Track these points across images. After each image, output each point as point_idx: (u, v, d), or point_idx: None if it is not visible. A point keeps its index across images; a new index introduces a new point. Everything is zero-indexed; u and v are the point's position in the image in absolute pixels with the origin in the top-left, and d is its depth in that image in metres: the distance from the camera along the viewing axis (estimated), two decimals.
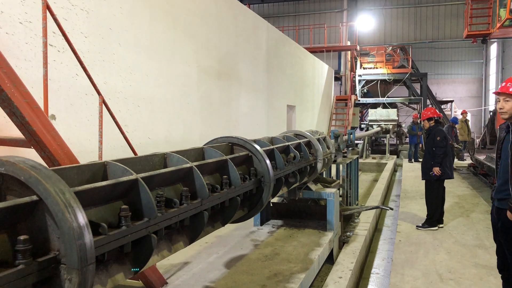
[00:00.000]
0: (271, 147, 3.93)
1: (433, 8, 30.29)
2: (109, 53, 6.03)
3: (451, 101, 26.22)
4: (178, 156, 2.51)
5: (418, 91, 23.09)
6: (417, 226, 7.04)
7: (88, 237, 1.48)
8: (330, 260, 5.49)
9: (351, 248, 5.74)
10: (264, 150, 3.50)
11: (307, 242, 5.30)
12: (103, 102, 4.33)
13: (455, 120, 16.81)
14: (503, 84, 3.44)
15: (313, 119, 18.00)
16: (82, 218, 1.49)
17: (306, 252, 4.94)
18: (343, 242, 6.06)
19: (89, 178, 1.96)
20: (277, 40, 13.36)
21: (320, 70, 19.31)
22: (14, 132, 4.01)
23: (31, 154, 4.64)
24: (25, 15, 4.80)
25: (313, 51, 19.58)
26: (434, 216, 6.95)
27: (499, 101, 3.45)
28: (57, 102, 5.13)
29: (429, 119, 7.02)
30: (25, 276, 1.37)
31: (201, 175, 2.46)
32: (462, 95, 32.19)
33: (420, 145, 17.05)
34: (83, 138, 5.46)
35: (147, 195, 1.96)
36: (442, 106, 24.67)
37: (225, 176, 2.84)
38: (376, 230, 7.97)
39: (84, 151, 5.25)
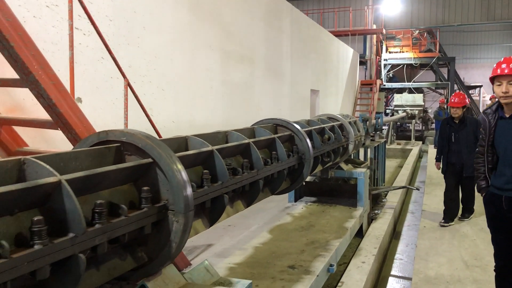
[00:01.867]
0: (309, 128, 4.26)
1: None
2: (133, 36, 6.07)
3: (480, 86, 25.56)
4: (238, 133, 2.96)
5: (445, 76, 22.56)
6: (459, 218, 6.49)
7: (189, 190, 1.92)
8: (360, 233, 5.83)
9: (376, 229, 5.99)
10: (304, 131, 3.85)
11: (339, 217, 5.61)
12: (128, 85, 4.36)
13: None
14: (504, 65, 3.13)
15: (337, 104, 17.81)
16: (185, 175, 1.92)
17: (339, 225, 5.25)
18: (371, 218, 6.48)
19: (176, 148, 2.31)
20: (301, 24, 13.20)
21: (344, 54, 19.04)
22: (42, 114, 4.09)
23: (58, 136, 4.74)
24: None
25: (337, 34, 19.28)
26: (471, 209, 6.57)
27: (500, 84, 3.17)
28: (83, 85, 5.19)
29: (463, 107, 6.15)
30: (147, 216, 1.82)
31: (257, 150, 2.91)
32: None
33: None
34: (109, 121, 5.53)
35: (221, 162, 2.42)
36: (470, 91, 24.08)
37: (274, 152, 3.27)
38: (400, 216, 7.90)
39: None
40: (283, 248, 4.45)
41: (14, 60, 3.30)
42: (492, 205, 3.46)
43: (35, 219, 1.35)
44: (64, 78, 3.85)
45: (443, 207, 6.48)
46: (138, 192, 1.89)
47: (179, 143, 2.47)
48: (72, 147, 3.76)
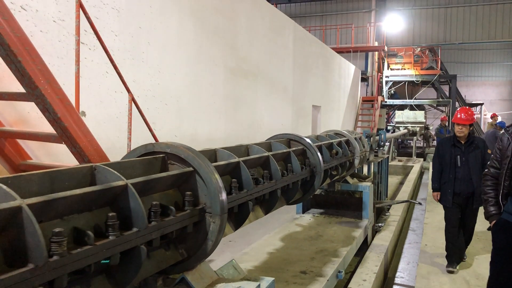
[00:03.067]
0: (320, 143, 4.53)
1: (464, 8, 29.63)
2: (138, 51, 6.13)
3: (481, 104, 25.60)
4: (258, 147, 3.27)
5: (447, 93, 22.63)
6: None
7: (224, 195, 2.21)
8: (365, 244, 6.07)
9: (380, 239, 6.24)
10: (315, 145, 4.12)
11: (345, 228, 5.93)
12: (133, 99, 4.40)
13: (502, 125, 12.49)
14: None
15: (338, 119, 17.86)
16: (220, 182, 2.20)
17: (346, 235, 5.56)
18: (375, 231, 6.68)
19: (208, 159, 2.49)
20: (304, 40, 13.31)
21: (346, 70, 19.15)
22: (46, 128, 4.12)
23: (61, 150, 4.77)
24: (59, 13, 4.92)
25: (340, 51, 19.42)
26: None
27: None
28: (87, 99, 5.23)
29: (470, 125, 5.15)
30: (190, 217, 2.10)
31: (275, 162, 3.18)
32: (493, 98, 31.39)
33: None
34: (112, 134, 5.56)
35: (246, 172, 2.71)
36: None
37: (289, 164, 3.56)
38: (401, 233, 7.87)
39: (113, 147, 5.34)
40: (294, 256, 4.75)
41: (21, 75, 3.34)
42: (503, 234, 3.16)
43: (110, 214, 1.58)
44: (68, 92, 3.89)
45: (445, 242, 5.33)
46: (181, 196, 2.20)
47: (210, 155, 2.76)
48: (76, 161, 3.79)
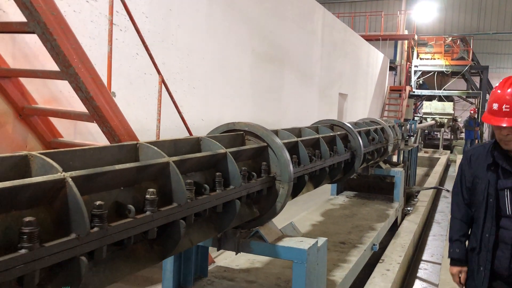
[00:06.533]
0: (359, 129, 4.78)
1: None
2: (168, 34, 6.14)
3: None
4: (309, 129, 3.69)
5: (477, 85, 22.05)
6: None
7: (291, 166, 2.63)
8: (394, 225, 6.27)
9: (408, 223, 6.48)
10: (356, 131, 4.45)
11: (378, 208, 6.21)
12: (163, 81, 4.42)
13: None
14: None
15: (365, 108, 17.64)
16: (288, 156, 2.63)
17: (378, 214, 5.84)
18: (404, 214, 7.00)
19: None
20: (333, 27, 13.12)
21: (374, 58, 18.83)
22: (77, 106, 4.19)
23: (90, 129, 4.85)
24: None
25: (368, 39, 19.08)
26: None
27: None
28: (117, 80, 5.28)
29: None
30: (265, 182, 2.55)
31: (325, 143, 3.55)
32: None
33: (477, 140, 16.36)
34: (141, 116, 5.62)
35: (304, 150, 3.12)
36: None
37: (334, 147, 3.89)
38: (426, 224, 7.80)
39: (141, 128, 5.40)
40: (332, 229, 5.06)
41: (56, 53, 3.39)
42: None
43: (150, 190, 1.68)
44: (99, 72, 3.93)
45: None
46: (257, 165, 2.62)
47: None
48: (107, 140, 3.84)
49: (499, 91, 2.38)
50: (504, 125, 2.27)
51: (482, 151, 2.57)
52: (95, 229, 1.40)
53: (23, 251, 1.20)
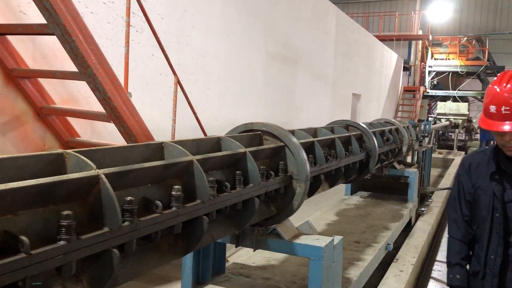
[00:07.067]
0: (374, 129, 4.81)
1: None
2: (183, 35, 6.20)
3: None
4: (325, 130, 3.73)
5: None
6: None
7: (308, 166, 2.67)
8: (408, 227, 6.27)
9: (422, 224, 6.51)
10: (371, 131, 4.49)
11: (392, 208, 6.24)
12: (178, 82, 4.47)
13: None
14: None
15: (378, 109, 17.55)
16: (305, 156, 2.67)
17: (392, 214, 5.86)
18: (418, 214, 7.00)
19: None
20: (346, 27, 13.09)
21: (388, 59, 18.73)
22: (94, 106, 4.25)
23: (107, 129, 4.91)
24: None
25: (382, 39, 18.98)
26: None
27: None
28: (133, 81, 5.34)
29: None
30: (282, 181, 2.58)
31: (340, 143, 3.60)
32: None
33: (492, 142, 16.16)
34: (156, 116, 5.67)
35: (320, 151, 3.15)
36: None
37: (350, 147, 3.89)
38: (440, 226, 7.75)
39: (157, 128, 5.45)
40: (347, 228, 5.10)
41: (75, 54, 3.46)
42: None
43: (176, 187, 1.73)
44: (116, 73, 3.99)
45: None
46: (275, 165, 2.64)
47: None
48: (123, 139, 3.90)
49: (496, 87, 2.05)
50: (507, 129, 1.96)
51: (482, 158, 2.26)
52: (126, 223, 1.46)
53: (62, 242, 1.26)
